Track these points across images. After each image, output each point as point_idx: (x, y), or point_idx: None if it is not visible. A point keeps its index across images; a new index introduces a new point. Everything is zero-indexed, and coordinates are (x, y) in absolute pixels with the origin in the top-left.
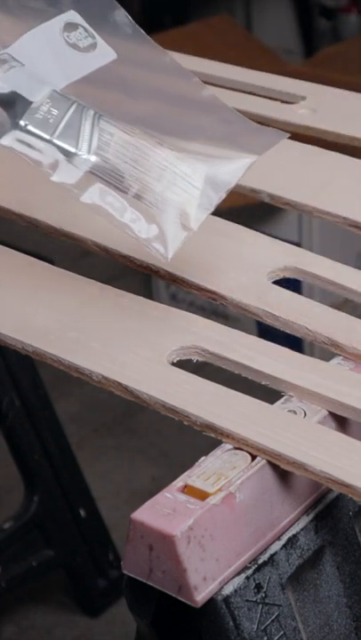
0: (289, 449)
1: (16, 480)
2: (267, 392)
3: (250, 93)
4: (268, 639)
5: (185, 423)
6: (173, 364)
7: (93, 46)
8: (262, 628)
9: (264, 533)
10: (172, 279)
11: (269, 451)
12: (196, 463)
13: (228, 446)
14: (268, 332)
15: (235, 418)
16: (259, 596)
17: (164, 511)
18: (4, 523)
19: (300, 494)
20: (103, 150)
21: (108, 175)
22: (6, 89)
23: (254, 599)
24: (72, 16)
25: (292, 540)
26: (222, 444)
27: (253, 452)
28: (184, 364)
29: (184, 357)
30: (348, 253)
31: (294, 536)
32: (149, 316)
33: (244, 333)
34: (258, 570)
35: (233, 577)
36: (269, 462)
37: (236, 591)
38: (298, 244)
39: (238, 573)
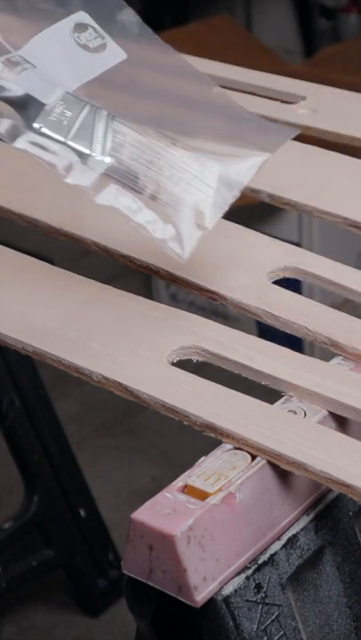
0: (289, 449)
1: (16, 480)
2: (267, 392)
3: (250, 93)
4: (268, 639)
5: (185, 423)
6: (173, 364)
7: (103, 47)
8: (262, 627)
9: (264, 533)
10: (172, 279)
11: (269, 451)
12: (196, 463)
13: (228, 446)
14: (268, 331)
15: (235, 418)
16: (259, 595)
17: (164, 511)
18: (4, 523)
19: (300, 494)
20: (117, 151)
21: (122, 176)
22: (19, 91)
23: (254, 599)
24: (82, 17)
25: (292, 540)
26: (222, 444)
27: (253, 451)
28: (184, 364)
29: (184, 357)
30: (348, 253)
31: (294, 536)
32: (149, 316)
33: (244, 333)
34: (258, 570)
35: (233, 577)
36: (269, 462)
37: (236, 591)
38: (298, 244)
39: (238, 573)
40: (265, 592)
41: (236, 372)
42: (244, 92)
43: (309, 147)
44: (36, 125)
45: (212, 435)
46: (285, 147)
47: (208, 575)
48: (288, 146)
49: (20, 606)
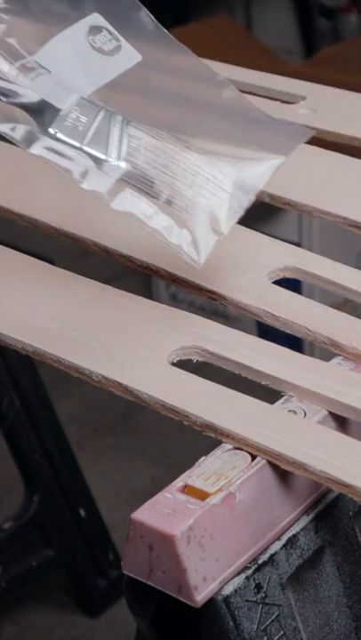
0: (289, 449)
1: (16, 480)
2: (267, 392)
3: (250, 93)
4: (268, 639)
5: (185, 423)
6: (173, 363)
7: (118, 49)
8: (262, 628)
9: (264, 533)
10: (172, 279)
11: (269, 451)
12: (196, 463)
13: (228, 446)
14: (268, 332)
15: (235, 418)
16: (259, 596)
17: (164, 511)
18: (4, 523)
19: (300, 494)
20: (132, 156)
21: (138, 181)
22: (35, 97)
23: (254, 599)
24: (96, 19)
25: (292, 540)
26: (222, 444)
27: (253, 451)
28: (184, 364)
29: (184, 357)
30: (348, 253)
31: (294, 536)
32: (149, 316)
33: (244, 333)
34: (258, 570)
35: (233, 577)
36: (269, 462)
37: (236, 591)
38: (298, 244)
39: (238, 573)
40: (265, 592)
41: (236, 372)
42: (244, 92)
43: (309, 147)
44: (51, 131)
45: (212, 435)
46: None
47: (208, 575)
48: None
49: (20, 606)
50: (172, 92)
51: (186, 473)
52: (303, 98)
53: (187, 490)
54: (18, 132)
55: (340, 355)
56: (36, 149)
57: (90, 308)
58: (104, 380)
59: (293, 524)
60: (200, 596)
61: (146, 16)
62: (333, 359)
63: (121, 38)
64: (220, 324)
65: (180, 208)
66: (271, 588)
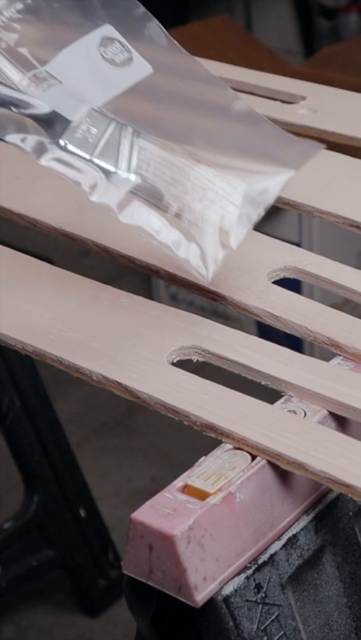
0: (289, 449)
1: (16, 480)
2: (267, 392)
3: (250, 93)
4: (268, 639)
5: (185, 423)
6: (173, 363)
7: (129, 61)
8: (262, 628)
9: (264, 533)
10: (172, 279)
11: (269, 451)
12: (196, 463)
13: (228, 446)
14: (268, 332)
15: (235, 418)
16: (259, 596)
17: (164, 511)
18: (4, 523)
19: (300, 494)
20: (142, 169)
21: (147, 194)
22: (46, 108)
23: (254, 599)
24: (108, 30)
25: (292, 540)
26: (222, 444)
27: (253, 452)
28: (184, 364)
29: (184, 357)
30: (348, 253)
31: (294, 536)
32: (149, 316)
33: (244, 333)
34: (258, 570)
35: (233, 577)
36: (269, 462)
37: (236, 591)
38: (298, 244)
39: (238, 573)
40: (265, 592)
41: (236, 372)
42: (244, 91)
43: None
44: (61, 142)
45: (212, 435)
46: None
47: (208, 575)
48: None
49: (20, 606)
50: (183, 104)
51: (186, 473)
52: (303, 98)
53: (187, 490)
54: (28, 143)
55: (340, 355)
56: (46, 161)
57: (90, 307)
58: (104, 379)
59: (293, 524)
60: (200, 596)
61: (157, 27)
62: (333, 359)
63: (132, 50)
64: (220, 324)
65: (189, 222)
66: (271, 588)
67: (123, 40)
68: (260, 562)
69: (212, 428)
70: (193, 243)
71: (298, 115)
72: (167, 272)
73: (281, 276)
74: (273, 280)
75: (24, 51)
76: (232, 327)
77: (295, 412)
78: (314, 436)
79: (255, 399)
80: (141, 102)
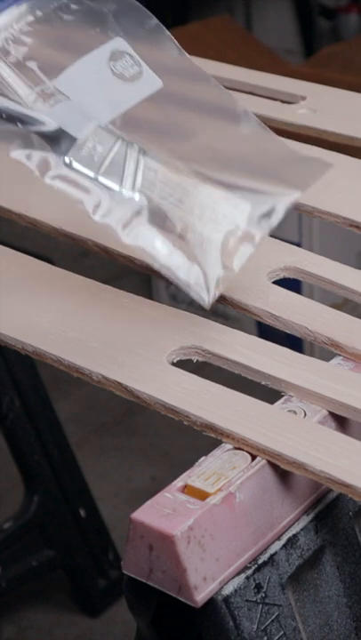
0: (289, 449)
1: (16, 480)
2: (267, 392)
3: (250, 93)
4: (268, 639)
5: (185, 423)
6: (173, 363)
7: (139, 75)
8: (262, 628)
9: (264, 533)
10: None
11: (269, 451)
12: (196, 463)
13: (228, 446)
14: (268, 332)
15: (235, 418)
16: (259, 596)
17: (164, 511)
18: (4, 523)
19: (300, 494)
20: (147, 188)
21: (151, 214)
22: (52, 125)
23: (254, 599)
24: (119, 43)
25: (292, 540)
26: (222, 444)
27: (253, 452)
28: (184, 364)
29: (184, 357)
30: (348, 253)
31: (294, 536)
32: (149, 316)
33: (244, 333)
34: (258, 570)
35: (233, 577)
36: (269, 462)
37: (236, 591)
38: (298, 244)
39: (238, 573)
40: (265, 592)
41: (236, 372)
42: (244, 91)
43: (309, 147)
44: (66, 160)
45: (212, 435)
46: None
47: (208, 575)
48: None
49: (20, 606)
50: (191, 121)
51: (186, 473)
52: (303, 98)
53: (187, 490)
54: (33, 160)
55: (340, 355)
56: (50, 179)
57: (90, 307)
58: (104, 379)
59: (293, 524)
60: (200, 596)
61: (169, 40)
62: (333, 359)
63: (142, 63)
64: (220, 324)
65: (192, 243)
66: (271, 588)
67: (133, 53)
68: (260, 562)
69: (212, 427)
70: (195, 265)
71: (298, 115)
72: None
73: (281, 276)
74: (273, 280)
75: (33, 65)
76: (232, 327)
77: (295, 412)
78: (314, 436)
79: (255, 399)
80: (147, 119)
